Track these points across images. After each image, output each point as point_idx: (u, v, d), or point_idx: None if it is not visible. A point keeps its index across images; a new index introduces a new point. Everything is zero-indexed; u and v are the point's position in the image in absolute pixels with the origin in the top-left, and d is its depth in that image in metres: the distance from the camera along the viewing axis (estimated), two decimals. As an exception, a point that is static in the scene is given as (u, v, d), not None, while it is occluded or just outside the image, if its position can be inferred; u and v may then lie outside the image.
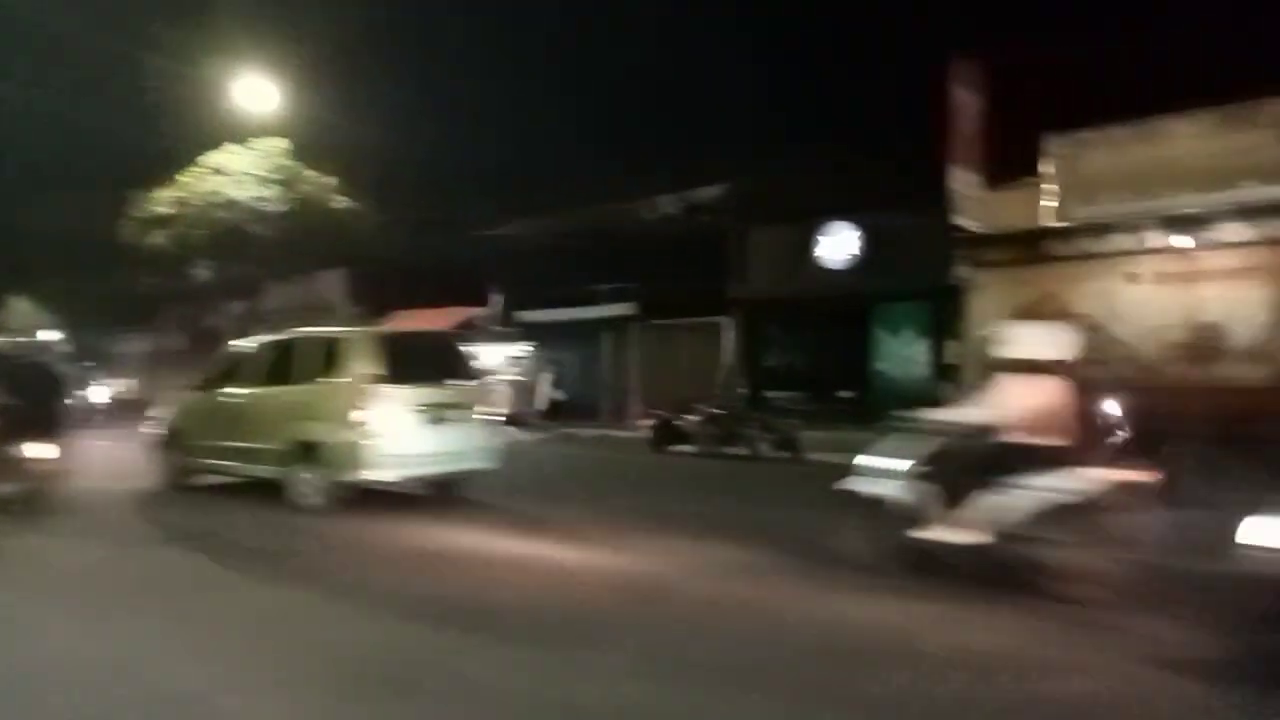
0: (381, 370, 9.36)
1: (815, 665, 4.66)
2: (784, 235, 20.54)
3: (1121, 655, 4.59)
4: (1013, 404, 6.20)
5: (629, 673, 4.55)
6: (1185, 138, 15.11)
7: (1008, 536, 5.81)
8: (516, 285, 23.71)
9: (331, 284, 28.00)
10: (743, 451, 14.73)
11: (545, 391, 22.22)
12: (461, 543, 8.24)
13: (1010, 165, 16.90)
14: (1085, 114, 15.77)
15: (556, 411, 21.80)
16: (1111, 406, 9.26)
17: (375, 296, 26.66)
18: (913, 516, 6.27)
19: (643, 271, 21.59)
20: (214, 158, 23.01)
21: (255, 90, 19.97)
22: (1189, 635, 4.59)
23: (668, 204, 22.77)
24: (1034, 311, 16.76)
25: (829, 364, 19.75)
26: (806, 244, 20.10)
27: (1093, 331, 16.00)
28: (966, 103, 17.13)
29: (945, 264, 17.39)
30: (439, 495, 10.33)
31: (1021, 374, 6.31)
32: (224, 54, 20.05)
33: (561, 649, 4.99)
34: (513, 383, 21.79)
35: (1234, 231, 14.62)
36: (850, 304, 18.95)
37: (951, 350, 17.57)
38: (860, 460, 6.86)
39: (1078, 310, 16.20)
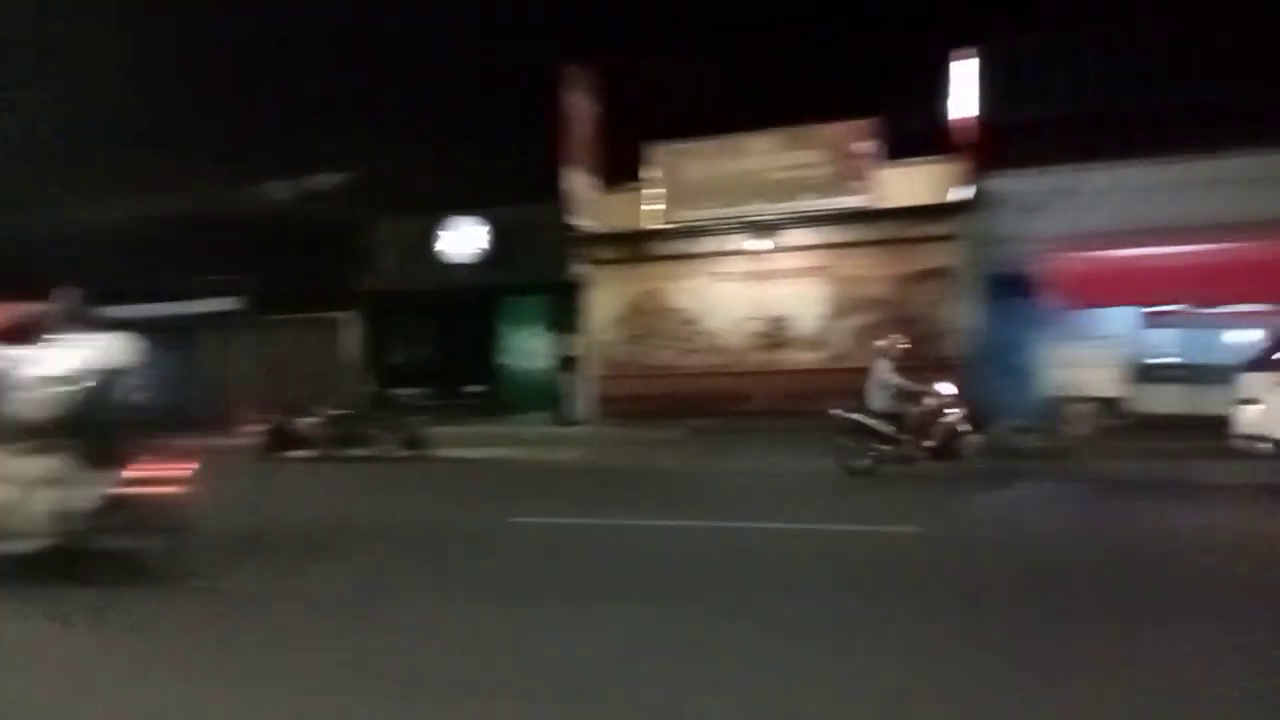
0: None
1: None
2: (410, 227, 20.09)
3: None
4: None
5: None
6: (760, 153, 17.34)
7: None
8: (100, 277, 20.52)
9: None
10: (367, 452, 14.21)
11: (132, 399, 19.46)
12: None
13: (621, 169, 18.17)
14: (684, 126, 17.45)
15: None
16: (946, 388, 10.30)
17: (-103, 289, 21.58)
18: None
19: (253, 263, 19.85)
20: None
21: None
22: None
23: (281, 190, 21.19)
24: (641, 305, 18.31)
25: (457, 359, 19.76)
26: (433, 237, 19.88)
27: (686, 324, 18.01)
28: (580, 107, 18.06)
29: (566, 260, 18.23)
30: None
31: None
32: None
33: None
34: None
35: (799, 237, 17.14)
36: (477, 298, 19.09)
37: (570, 343, 18.48)
38: None
39: (677, 304, 18.00)
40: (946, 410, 10.10)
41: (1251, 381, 9.09)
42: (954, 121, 15.72)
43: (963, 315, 15.37)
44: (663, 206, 17.59)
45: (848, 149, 16.52)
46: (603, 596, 5.33)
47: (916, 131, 15.97)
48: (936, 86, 16.05)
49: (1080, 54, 15.04)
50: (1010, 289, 14.53)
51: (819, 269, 17.05)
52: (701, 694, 3.69)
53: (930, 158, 16.04)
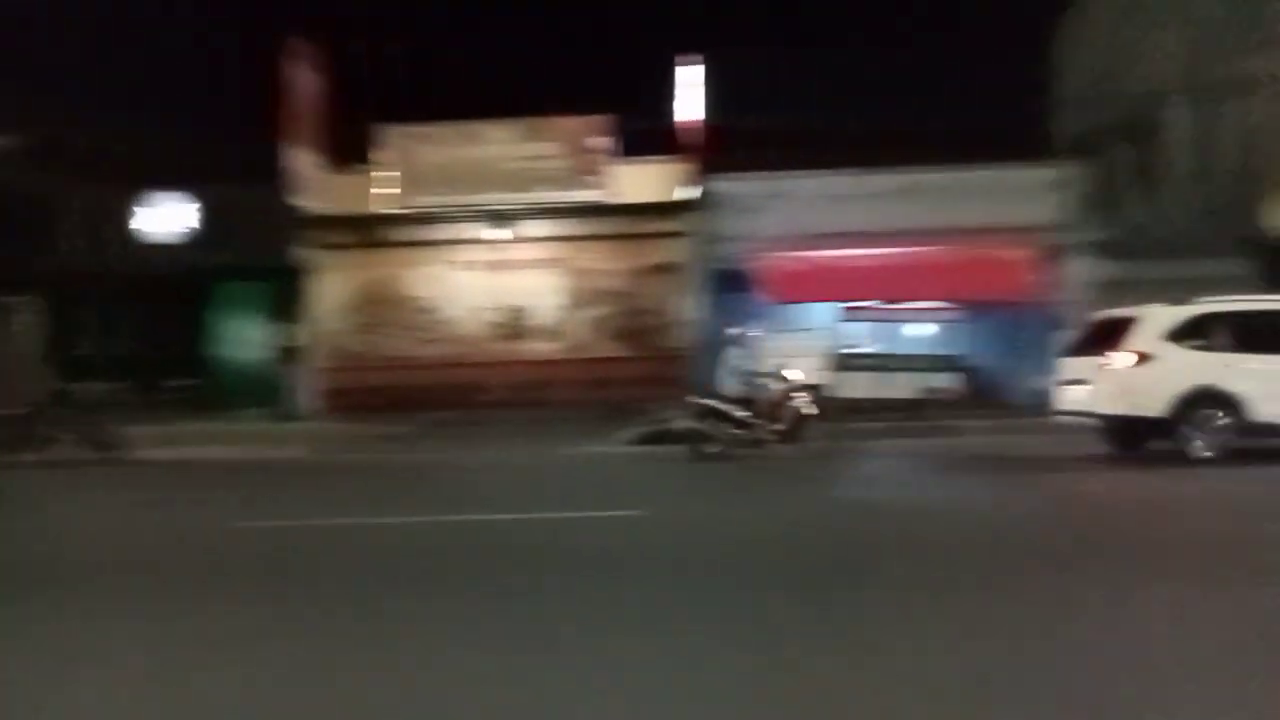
0: None
1: None
2: (105, 202, 17.87)
3: None
4: None
5: None
6: (498, 142, 17.20)
7: None
8: None
9: None
10: (42, 457, 12.42)
11: None
12: None
13: (350, 150, 17.25)
14: (417, 109, 16.91)
15: None
16: (794, 374, 10.40)
17: None
18: None
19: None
20: None
21: None
22: None
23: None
24: (373, 293, 17.55)
25: (162, 350, 17.83)
26: (133, 213, 17.79)
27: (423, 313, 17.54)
28: (305, 84, 16.94)
29: (287, 244, 17.04)
30: None
31: None
32: None
33: None
34: None
35: (535, 228, 17.21)
36: (185, 282, 17.33)
37: (293, 333, 17.33)
38: None
39: (411, 292, 17.46)
40: (794, 395, 10.52)
41: (1075, 364, 9.90)
42: (681, 124, 16.52)
43: (688, 308, 16.21)
44: (396, 191, 16.95)
45: (582, 144, 16.82)
46: (322, 600, 5.01)
47: (648, 131, 16.62)
48: (667, 89, 16.80)
49: (796, 71, 16.45)
50: (730, 284, 15.61)
51: (556, 260, 17.26)
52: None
53: (660, 157, 16.73)
